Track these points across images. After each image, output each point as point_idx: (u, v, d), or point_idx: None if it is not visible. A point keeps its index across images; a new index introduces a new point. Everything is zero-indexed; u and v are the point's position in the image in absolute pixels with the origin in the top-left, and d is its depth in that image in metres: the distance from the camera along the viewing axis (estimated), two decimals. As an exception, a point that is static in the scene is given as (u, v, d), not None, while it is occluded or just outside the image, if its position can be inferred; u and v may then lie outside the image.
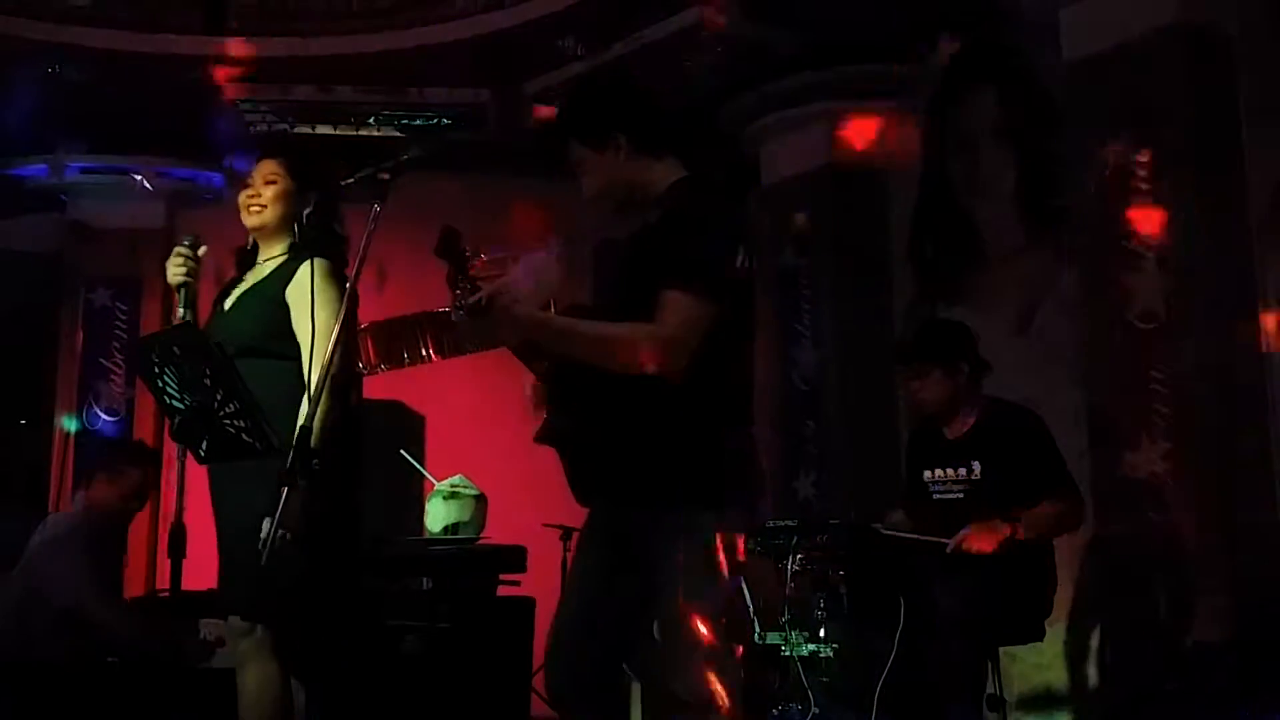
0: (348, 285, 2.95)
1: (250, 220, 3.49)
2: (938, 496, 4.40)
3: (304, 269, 3.33)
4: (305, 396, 3.02)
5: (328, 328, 3.14)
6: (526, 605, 5.32)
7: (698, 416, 2.63)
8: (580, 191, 2.86)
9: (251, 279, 3.50)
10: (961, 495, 4.31)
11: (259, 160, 3.52)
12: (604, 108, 2.85)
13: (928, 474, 4.43)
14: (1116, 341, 4.96)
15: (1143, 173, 4.91)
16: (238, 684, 3.29)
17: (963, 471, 4.33)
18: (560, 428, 2.79)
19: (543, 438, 2.81)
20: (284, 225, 3.48)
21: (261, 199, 3.47)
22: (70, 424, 7.60)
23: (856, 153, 6.72)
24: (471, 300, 2.57)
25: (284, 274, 3.39)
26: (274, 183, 3.47)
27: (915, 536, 4.37)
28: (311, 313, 3.20)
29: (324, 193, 3.50)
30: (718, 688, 2.59)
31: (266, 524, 2.66)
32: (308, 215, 3.46)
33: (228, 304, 3.50)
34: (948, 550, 4.16)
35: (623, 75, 5.13)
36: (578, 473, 2.79)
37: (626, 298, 2.70)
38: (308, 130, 6.99)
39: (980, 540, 4.08)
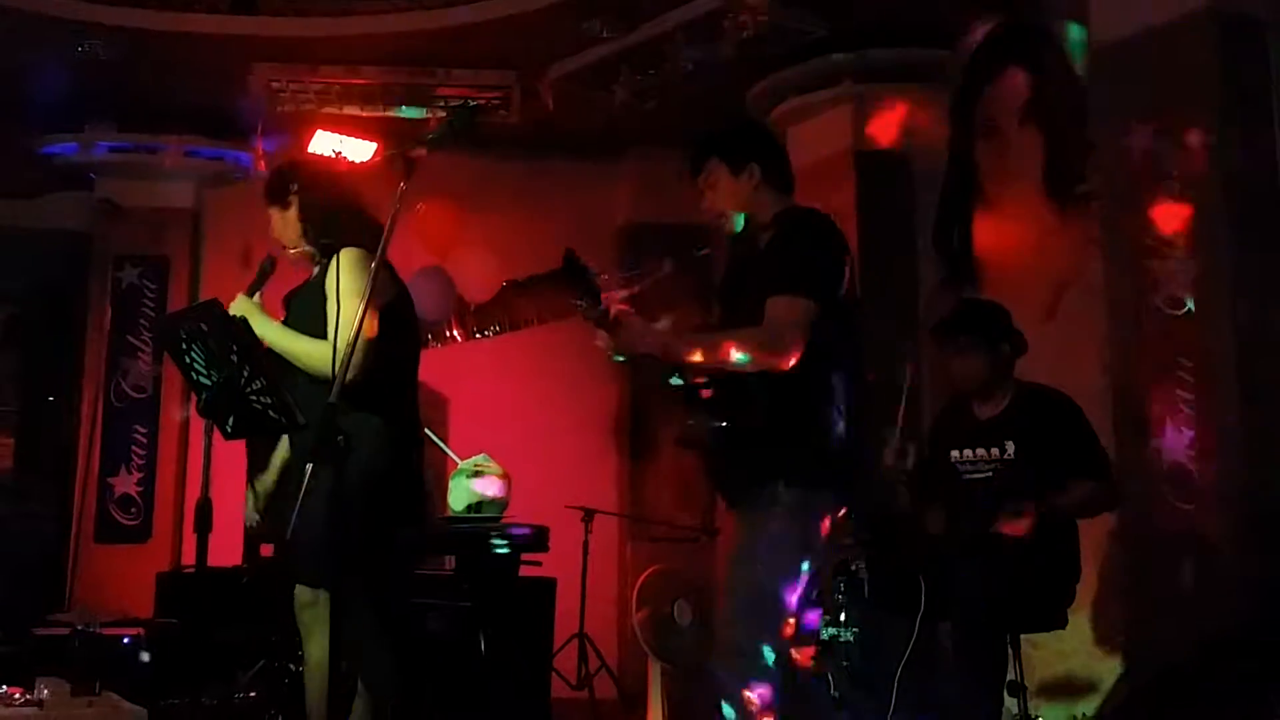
0: (372, 266, 2.99)
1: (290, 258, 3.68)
2: (967, 476, 4.37)
3: (335, 259, 3.47)
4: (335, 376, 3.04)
5: (352, 313, 3.24)
6: (548, 585, 5.35)
7: (811, 405, 3.02)
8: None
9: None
10: (990, 475, 4.29)
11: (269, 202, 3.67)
12: (746, 137, 3.35)
13: (955, 454, 4.41)
14: (1143, 328, 4.93)
15: (1171, 158, 4.87)
16: (305, 654, 3.40)
17: (995, 451, 4.31)
18: (698, 433, 3.15)
19: (683, 442, 3.33)
20: (311, 234, 3.62)
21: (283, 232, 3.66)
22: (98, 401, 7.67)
23: (882, 136, 6.69)
24: (596, 314, 2.92)
25: (324, 269, 3.52)
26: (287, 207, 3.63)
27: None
28: (337, 299, 3.34)
29: (332, 194, 3.61)
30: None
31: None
32: (320, 213, 3.58)
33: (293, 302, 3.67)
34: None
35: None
36: (714, 472, 3.25)
37: (744, 312, 3.08)
38: (334, 111, 7.01)
39: (1013, 527, 4.10)
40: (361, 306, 2.90)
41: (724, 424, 3.05)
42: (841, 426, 3.07)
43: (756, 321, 3.03)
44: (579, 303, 2.93)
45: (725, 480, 3.25)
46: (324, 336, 3.34)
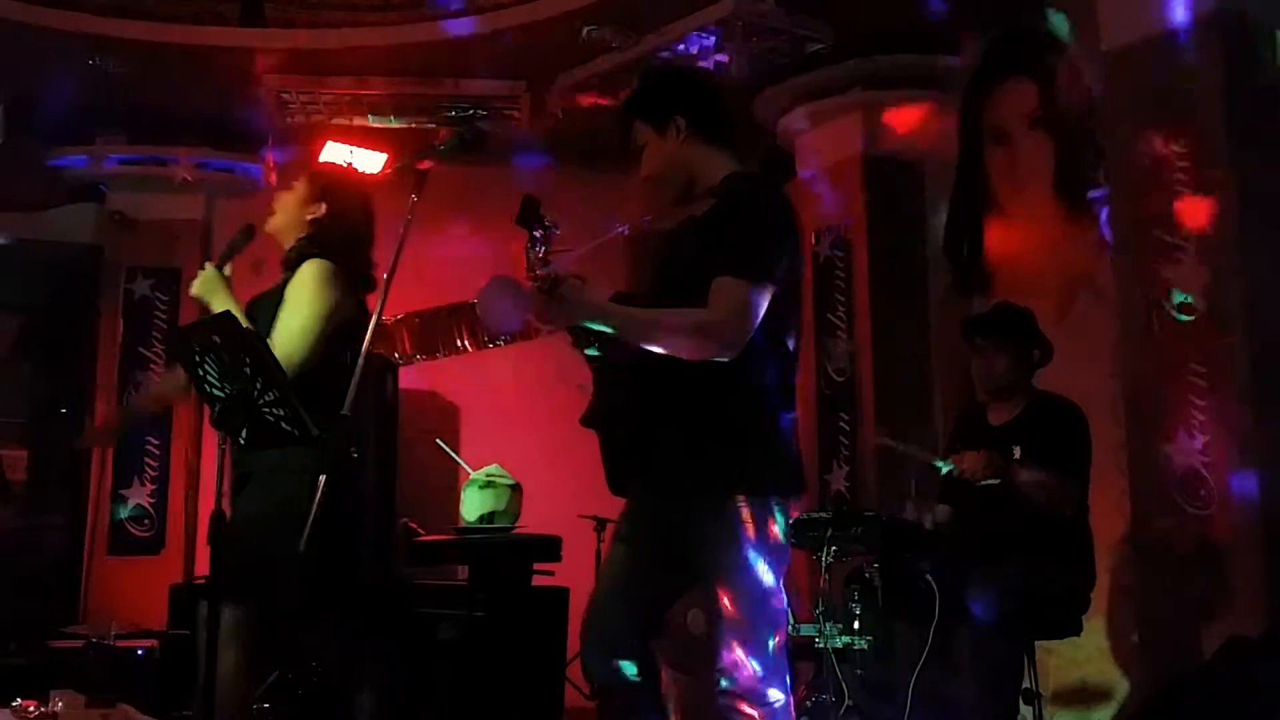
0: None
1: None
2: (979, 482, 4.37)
3: (302, 268, 3.49)
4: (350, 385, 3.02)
5: (301, 327, 3.34)
6: (561, 595, 5.35)
7: (746, 402, 2.67)
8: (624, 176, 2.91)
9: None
10: (999, 480, 4.29)
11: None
12: (666, 89, 2.97)
13: (970, 460, 4.41)
14: (1154, 334, 4.92)
15: (1181, 163, 4.86)
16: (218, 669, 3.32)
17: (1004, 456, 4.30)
18: (605, 411, 2.81)
19: (587, 420, 2.83)
20: (294, 229, 3.65)
21: (274, 204, 3.72)
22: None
23: (892, 143, 6.69)
24: (538, 280, 2.55)
25: (289, 275, 3.54)
26: (289, 189, 3.69)
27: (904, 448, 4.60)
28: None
29: (341, 201, 3.61)
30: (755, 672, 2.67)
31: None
32: (315, 221, 3.61)
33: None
34: (947, 472, 4.32)
35: (688, 65, 5.14)
36: (620, 458, 2.82)
37: (678, 285, 2.74)
38: (344, 122, 7.03)
39: (970, 461, 4.15)
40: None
41: (658, 411, 2.69)
42: (795, 421, 2.78)
43: (686, 294, 2.66)
44: (528, 254, 2.56)
45: (660, 476, 2.75)
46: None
